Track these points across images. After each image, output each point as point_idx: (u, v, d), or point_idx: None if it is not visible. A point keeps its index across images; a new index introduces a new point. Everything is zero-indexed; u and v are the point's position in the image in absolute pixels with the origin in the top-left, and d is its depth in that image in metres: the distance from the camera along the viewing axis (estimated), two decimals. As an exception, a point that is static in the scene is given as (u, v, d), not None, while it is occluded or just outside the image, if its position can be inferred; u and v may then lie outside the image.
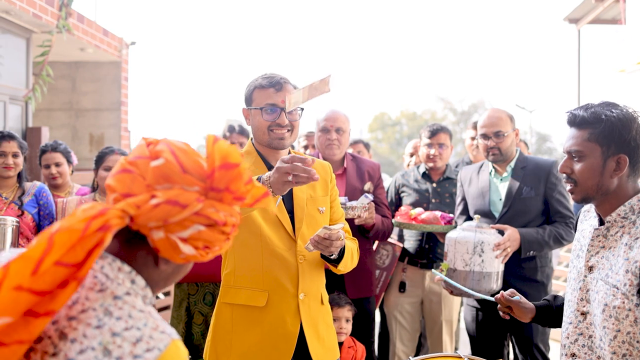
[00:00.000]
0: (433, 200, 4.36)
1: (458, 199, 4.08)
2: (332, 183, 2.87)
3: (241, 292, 2.61)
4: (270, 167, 2.69)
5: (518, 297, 2.58)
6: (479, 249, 3.50)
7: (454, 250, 3.57)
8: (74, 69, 9.92)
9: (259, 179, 2.35)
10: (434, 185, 4.44)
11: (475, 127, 5.52)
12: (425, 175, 4.48)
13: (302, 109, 2.72)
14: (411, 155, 5.49)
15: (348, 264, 2.74)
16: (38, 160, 4.69)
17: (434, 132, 4.43)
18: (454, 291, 3.63)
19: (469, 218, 3.96)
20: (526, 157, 3.86)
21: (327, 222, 2.77)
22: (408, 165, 5.46)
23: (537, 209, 3.74)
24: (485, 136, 3.79)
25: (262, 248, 2.60)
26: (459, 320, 4.83)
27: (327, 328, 2.73)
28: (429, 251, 4.35)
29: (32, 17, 7.12)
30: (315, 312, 2.66)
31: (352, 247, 2.76)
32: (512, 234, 3.58)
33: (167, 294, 5.83)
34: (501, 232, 3.64)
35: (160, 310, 5.61)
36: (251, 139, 2.79)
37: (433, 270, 3.46)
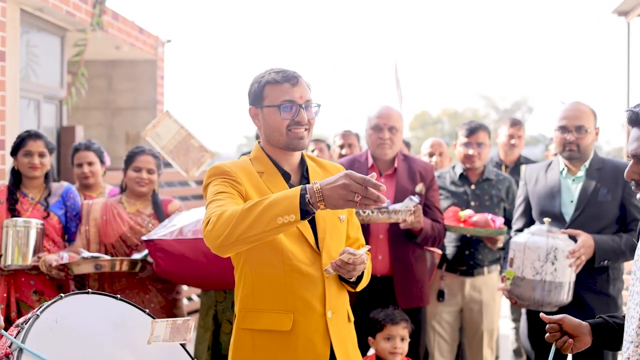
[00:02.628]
0: (472, 203, 4.11)
1: (519, 200, 3.78)
2: None
3: (262, 315, 2.37)
4: (283, 172, 2.46)
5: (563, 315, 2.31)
6: (552, 256, 3.22)
7: (522, 257, 3.29)
8: (110, 67, 9.91)
9: (304, 189, 2.06)
10: (473, 187, 4.18)
11: (513, 124, 5.24)
12: (463, 177, 4.22)
13: (319, 105, 2.48)
14: (430, 155, 5.19)
15: (364, 284, 2.54)
16: (71, 158, 4.59)
17: (472, 131, 4.16)
18: (517, 301, 3.38)
19: (530, 221, 3.68)
20: (603, 159, 3.57)
21: (345, 231, 2.55)
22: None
23: (612, 215, 3.44)
24: (565, 129, 3.49)
25: (284, 264, 2.35)
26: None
27: (354, 349, 2.51)
28: (469, 257, 4.10)
29: (66, 14, 7.06)
30: (343, 331, 2.44)
31: (368, 266, 2.53)
32: (587, 240, 3.30)
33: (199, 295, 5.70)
34: (573, 239, 3.35)
35: (188, 314, 5.49)
36: (259, 142, 2.54)
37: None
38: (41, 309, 2.18)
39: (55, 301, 2.26)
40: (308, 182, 2.47)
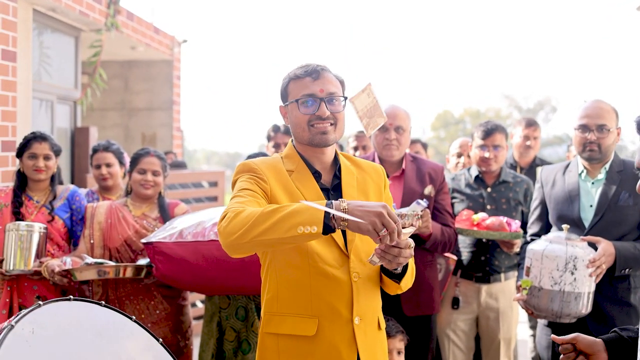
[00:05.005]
0: (488, 207, 3.94)
1: (534, 203, 3.61)
2: (386, 190, 2.48)
3: (286, 319, 2.27)
4: (314, 171, 2.36)
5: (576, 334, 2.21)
6: (572, 266, 3.06)
7: (539, 266, 3.13)
8: (126, 68, 9.87)
9: (330, 203, 2.02)
10: (489, 190, 4.01)
11: (528, 124, 5.06)
12: (478, 179, 4.05)
13: (346, 98, 2.37)
14: (459, 156, 5.02)
15: (409, 281, 2.37)
16: (89, 160, 4.50)
17: (489, 132, 3.99)
18: (534, 312, 3.23)
19: (546, 225, 3.52)
20: (624, 160, 3.39)
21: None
22: (456, 165, 4.99)
23: (634, 220, 3.27)
24: (585, 128, 3.32)
25: (310, 266, 2.25)
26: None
27: (384, 358, 2.38)
28: (485, 263, 3.95)
29: (79, 14, 7.01)
30: (372, 339, 2.31)
31: (412, 262, 2.39)
32: (607, 248, 3.13)
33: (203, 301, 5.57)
34: (592, 246, 3.19)
35: (194, 319, 5.38)
36: (292, 140, 2.46)
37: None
38: (17, 318, 2.05)
39: (32, 309, 2.13)
40: (340, 182, 2.38)
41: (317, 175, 2.38)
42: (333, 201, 2.02)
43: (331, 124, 2.33)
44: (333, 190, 2.38)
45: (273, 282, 2.31)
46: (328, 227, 1.99)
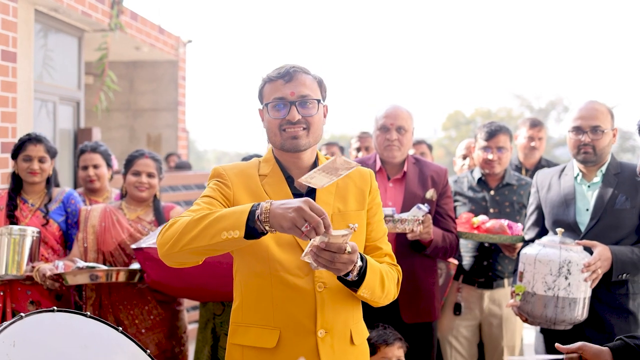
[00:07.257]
0: (491, 210, 3.84)
1: (530, 208, 3.51)
2: (371, 195, 2.33)
3: (250, 330, 2.18)
4: (287, 177, 2.25)
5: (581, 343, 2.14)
6: (565, 270, 2.97)
7: (533, 271, 3.05)
8: (131, 68, 9.83)
9: (257, 205, 1.93)
10: (492, 192, 3.91)
11: (533, 125, 4.95)
12: (481, 182, 3.94)
13: (319, 101, 2.25)
14: (464, 158, 4.92)
15: (376, 291, 2.16)
16: (76, 161, 4.43)
17: (492, 134, 3.88)
18: (528, 319, 3.13)
19: (543, 231, 3.42)
20: (621, 163, 3.30)
21: (363, 242, 2.26)
22: (462, 167, 4.89)
23: (631, 224, 3.17)
24: (579, 130, 3.23)
25: (271, 275, 2.15)
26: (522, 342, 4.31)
27: None
28: (488, 268, 3.84)
29: (82, 15, 6.96)
30: (340, 354, 2.18)
31: (382, 271, 2.19)
32: (603, 252, 3.03)
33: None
34: (588, 250, 3.10)
35: (189, 323, 5.32)
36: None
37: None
38: None
39: (14, 322, 2.07)
40: (314, 188, 2.22)
41: (290, 180, 2.27)
42: (261, 202, 1.94)
43: (303, 129, 2.22)
44: (307, 196, 2.18)
45: (238, 291, 2.24)
46: (253, 230, 1.92)
